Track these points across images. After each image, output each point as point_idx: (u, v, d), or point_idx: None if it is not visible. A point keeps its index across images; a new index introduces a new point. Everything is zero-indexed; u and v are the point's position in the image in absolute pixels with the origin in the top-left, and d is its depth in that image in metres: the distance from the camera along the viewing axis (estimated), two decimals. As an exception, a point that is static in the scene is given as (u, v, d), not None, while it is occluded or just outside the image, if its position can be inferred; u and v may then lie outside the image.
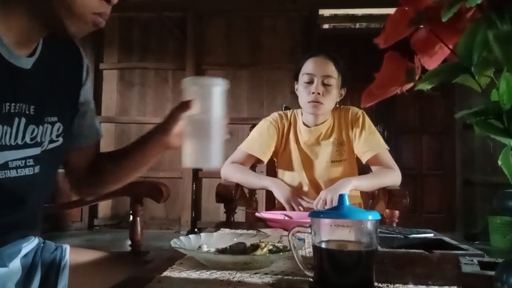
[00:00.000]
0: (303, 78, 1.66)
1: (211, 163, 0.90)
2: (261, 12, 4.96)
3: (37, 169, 0.88)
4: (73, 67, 0.99)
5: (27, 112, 0.84)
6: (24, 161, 0.86)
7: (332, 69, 1.64)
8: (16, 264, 0.90)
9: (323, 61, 1.65)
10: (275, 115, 1.79)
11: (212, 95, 0.90)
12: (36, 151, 0.88)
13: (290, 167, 1.73)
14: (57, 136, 0.93)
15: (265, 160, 1.74)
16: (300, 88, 1.68)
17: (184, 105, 0.89)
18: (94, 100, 1.07)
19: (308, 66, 1.66)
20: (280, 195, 1.55)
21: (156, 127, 0.96)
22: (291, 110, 1.83)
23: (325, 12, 5.02)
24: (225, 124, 0.92)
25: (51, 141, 0.92)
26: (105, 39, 5.12)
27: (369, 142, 1.64)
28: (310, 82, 1.63)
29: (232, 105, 4.97)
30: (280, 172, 1.77)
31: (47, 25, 0.83)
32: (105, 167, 1.04)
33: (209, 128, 0.89)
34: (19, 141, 0.84)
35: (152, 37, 5.08)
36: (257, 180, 1.64)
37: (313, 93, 1.62)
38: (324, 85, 1.62)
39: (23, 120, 0.84)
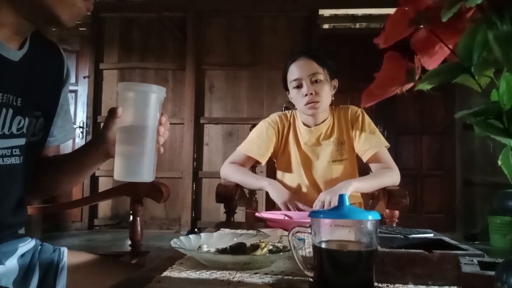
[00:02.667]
0: (291, 85, 1.66)
1: (141, 176, 0.84)
2: (261, 12, 4.97)
3: (21, 159, 0.90)
4: (56, 67, 1.01)
5: (14, 103, 0.86)
6: (10, 150, 0.87)
7: (315, 66, 1.64)
8: (12, 263, 0.91)
9: (304, 62, 1.65)
10: (274, 116, 1.79)
11: (146, 103, 0.84)
12: (22, 141, 0.89)
13: (289, 168, 1.73)
14: (39, 130, 0.95)
15: (263, 162, 1.74)
16: (293, 95, 1.68)
17: (111, 113, 0.86)
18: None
19: (292, 72, 1.66)
20: (276, 197, 1.55)
21: (96, 135, 0.95)
22: (290, 111, 1.82)
23: (325, 12, 5.02)
24: (159, 134, 0.87)
25: (34, 134, 0.93)
26: (105, 39, 5.13)
27: (369, 140, 1.64)
28: (300, 86, 1.64)
29: (232, 105, 4.98)
30: (279, 173, 1.77)
31: (39, 16, 0.84)
32: (45, 170, 1.02)
33: (140, 139, 0.83)
34: (6, 131, 0.85)
35: (152, 37, 5.09)
36: (255, 181, 1.64)
37: (306, 95, 1.62)
38: (314, 83, 1.62)
39: (10, 111, 0.85)
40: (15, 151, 0.88)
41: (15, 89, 0.86)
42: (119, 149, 0.85)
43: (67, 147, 4.52)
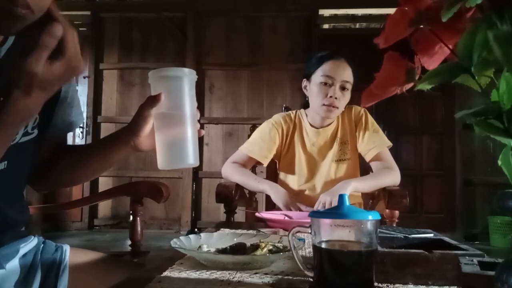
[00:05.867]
0: (320, 79, 1.62)
1: (188, 161, 0.83)
2: (261, 12, 4.97)
3: (5, 164, 0.82)
4: None
5: None
6: None
7: (350, 75, 1.63)
8: (14, 265, 0.88)
9: (344, 65, 1.63)
10: (278, 117, 1.77)
11: (181, 87, 0.82)
12: None
13: (292, 169, 1.73)
14: (33, 128, 0.87)
15: (265, 163, 1.73)
16: (314, 89, 1.65)
17: (151, 100, 0.82)
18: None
19: (328, 68, 1.62)
20: (278, 200, 1.54)
21: (125, 127, 0.88)
22: (294, 111, 1.81)
23: (325, 12, 5.03)
24: (197, 118, 0.85)
25: (26, 134, 0.85)
26: (105, 39, 5.13)
27: (373, 139, 1.64)
28: (328, 84, 1.61)
29: (232, 105, 4.98)
30: (282, 174, 1.76)
31: None
32: (63, 161, 0.97)
33: (181, 124, 0.82)
34: None
35: (152, 37, 5.09)
36: (256, 183, 1.63)
37: (331, 96, 1.60)
38: (342, 89, 1.61)
39: None
40: None
41: (1, 89, 0.77)
42: (162, 137, 0.82)
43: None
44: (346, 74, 1.62)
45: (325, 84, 1.61)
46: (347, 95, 1.64)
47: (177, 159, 0.83)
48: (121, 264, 1.10)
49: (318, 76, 1.64)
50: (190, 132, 0.82)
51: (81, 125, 5.03)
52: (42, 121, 0.89)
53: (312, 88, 1.66)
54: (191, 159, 0.83)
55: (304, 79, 1.72)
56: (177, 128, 0.82)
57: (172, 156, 0.83)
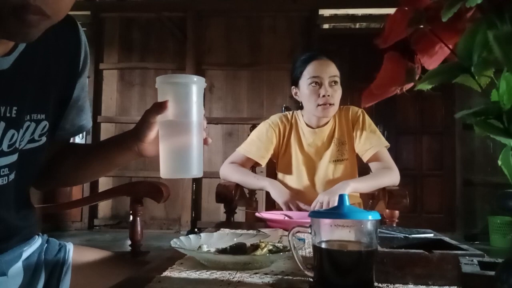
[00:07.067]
0: (308, 81, 1.64)
1: (192, 171, 0.81)
2: (261, 12, 4.97)
3: (12, 176, 0.79)
4: (69, 57, 0.89)
5: (7, 114, 0.75)
6: None
7: (335, 69, 1.65)
8: (16, 269, 0.86)
9: (327, 62, 1.65)
10: (274, 118, 1.78)
11: (189, 94, 0.80)
12: (13, 158, 0.78)
13: (290, 169, 1.73)
14: (40, 135, 0.84)
15: (263, 163, 1.74)
16: (306, 92, 1.65)
17: (158, 107, 0.80)
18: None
19: (313, 70, 1.64)
20: (278, 197, 1.55)
21: (128, 132, 0.87)
22: (291, 112, 1.82)
23: (325, 12, 5.03)
24: (204, 127, 0.83)
25: (32, 141, 0.82)
26: (105, 39, 5.13)
27: (370, 140, 1.64)
28: (318, 84, 1.62)
29: (232, 105, 4.98)
30: (280, 174, 1.76)
31: None
32: (67, 161, 0.96)
33: (187, 133, 0.80)
34: None
35: (152, 37, 5.09)
36: (255, 181, 1.63)
37: (324, 95, 1.61)
38: (331, 85, 1.63)
39: (2, 124, 0.74)
40: (3, 171, 0.77)
41: (8, 99, 0.75)
42: (166, 145, 0.81)
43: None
44: (331, 69, 1.64)
45: (315, 84, 1.63)
46: (339, 90, 1.65)
47: (180, 169, 0.82)
48: (124, 262, 1.09)
49: (305, 79, 1.65)
50: (195, 141, 0.81)
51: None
52: (51, 127, 0.87)
53: (303, 92, 1.68)
54: (195, 170, 0.81)
55: (293, 87, 1.73)
56: (182, 136, 0.80)
57: (176, 166, 0.82)
